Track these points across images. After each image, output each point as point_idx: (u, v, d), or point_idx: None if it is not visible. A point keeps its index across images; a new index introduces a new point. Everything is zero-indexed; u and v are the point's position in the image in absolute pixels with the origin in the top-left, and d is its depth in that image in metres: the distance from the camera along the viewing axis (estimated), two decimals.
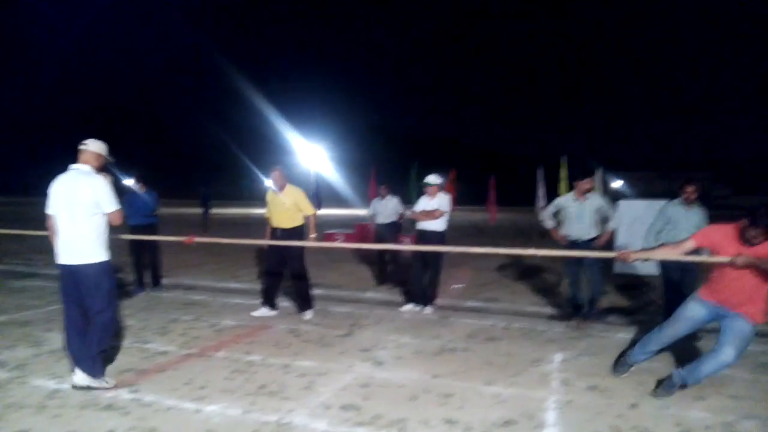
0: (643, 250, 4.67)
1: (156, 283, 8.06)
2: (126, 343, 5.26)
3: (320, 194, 20.34)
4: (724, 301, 3.86)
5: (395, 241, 9.35)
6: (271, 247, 6.50)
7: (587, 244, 6.03)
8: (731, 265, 3.72)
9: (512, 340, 5.54)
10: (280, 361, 4.71)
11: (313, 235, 6.45)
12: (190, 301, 7.30)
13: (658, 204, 9.93)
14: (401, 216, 8.99)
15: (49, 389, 4.02)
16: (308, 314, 6.47)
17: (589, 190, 6.17)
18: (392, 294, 7.96)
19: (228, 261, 11.03)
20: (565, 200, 6.28)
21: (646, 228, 5.86)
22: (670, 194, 6.35)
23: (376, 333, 5.73)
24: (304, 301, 6.54)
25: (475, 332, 5.80)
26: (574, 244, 6.12)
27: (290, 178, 6.56)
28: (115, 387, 4.05)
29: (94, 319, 4.07)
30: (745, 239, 3.71)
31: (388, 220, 8.83)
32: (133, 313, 6.56)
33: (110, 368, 4.47)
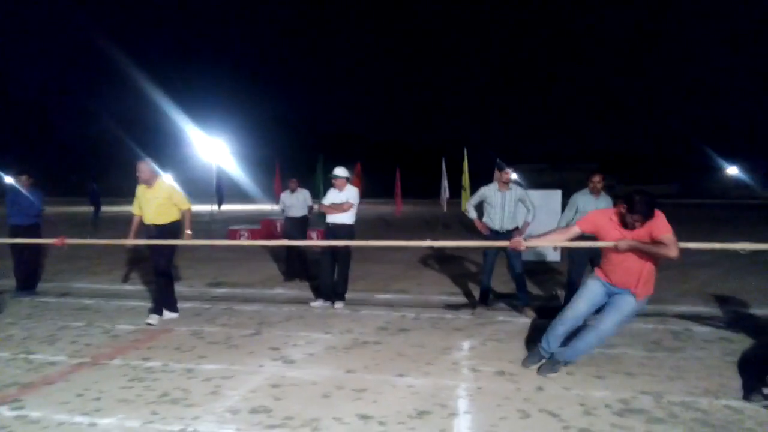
0: (533, 237, 4.83)
1: (32, 286, 7.50)
2: (7, 354, 4.77)
3: (222, 189, 19.67)
4: (616, 281, 4.10)
5: (305, 235, 9.19)
6: (149, 246, 6.07)
7: (509, 234, 6.15)
8: (615, 249, 3.95)
9: (422, 330, 5.59)
10: (183, 366, 4.46)
11: (189, 232, 6.06)
12: (81, 306, 6.77)
13: (553, 194, 10.54)
14: (311, 209, 8.84)
15: None
16: (168, 315, 6.10)
17: (509, 181, 6.30)
18: (301, 290, 7.81)
19: (121, 262, 10.37)
20: (488, 190, 6.38)
21: (544, 216, 6.10)
22: (560, 185, 6.68)
23: (285, 331, 5.58)
24: (165, 303, 6.12)
25: (386, 325, 5.81)
26: (496, 234, 6.23)
27: (158, 171, 6.10)
28: None
29: None
30: (625, 224, 3.96)
31: (298, 214, 8.66)
32: (15, 321, 5.99)
33: None
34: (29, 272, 7.49)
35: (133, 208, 6.18)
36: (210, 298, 7.30)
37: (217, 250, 11.97)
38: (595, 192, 5.98)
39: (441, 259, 10.39)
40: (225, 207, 36.27)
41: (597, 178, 5.98)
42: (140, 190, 6.09)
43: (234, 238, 13.94)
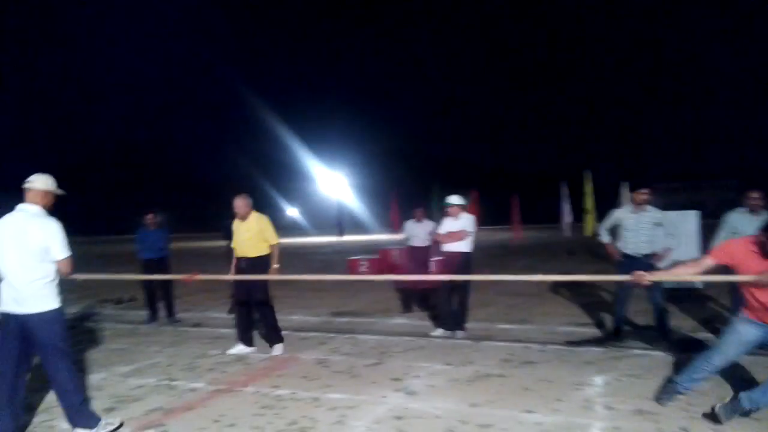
0: (660, 270, 4.43)
1: (170, 314, 8.28)
2: (153, 381, 5.17)
3: (343, 220, 20.32)
4: None
5: (426, 265, 9.21)
6: (237, 280, 6.29)
7: (645, 259, 5.74)
8: (757, 283, 3.50)
9: (549, 363, 5.33)
10: (310, 395, 4.58)
11: (276, 266, 6.20)
12: (218, 335, 7.21)
13: (689, 215, 9.71)
14: (432, 239, 8.84)
15: None
16: (278, 349, 6.14)
17: (646, 201, 5.92)
18: (421, 320, 7.79)
19: None
20: (622, 212, 6.06)
21: (683, 239, 5.62)
22: (696, 205, 6.14)
23: (406, 361, 5.56)
24: (272, 335, 6.23)
25: (509, 357, 5.60)
26: (630, 259, 5.85)
27: (254, 205, 6.30)
28: (142, 428, 3.96)
29: (53, 373, 3.77)
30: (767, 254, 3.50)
31: (423, 244, 8.70)
32: (160, 349, 6.50)
33: (137, 409, 4.39)
34: (167, 300, 8.26)
35: (233, 243, 6.40)
36: (333, 327, 7.49)
37: (336, 282, 12.30)
38: (754, 210, 5.38)
39: (569, 286, 9.91)
40: (345, 237, 37.62)
41: (756, 195, 5.37)
42: (235, 224, 6.32)
43: (354, 267, 14.28)
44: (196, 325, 7.99)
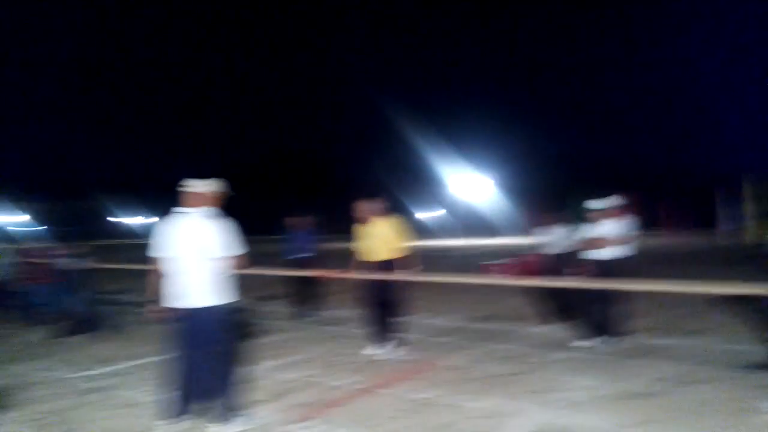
0: None
1: (312, 312, 8.81)
2: (298, 376, 5.44)
3: (477, 224, 20.08)
4: None
5: (560, 273, 8.80)
6: (370, 281, 6.33)
7: None
8: None
9: (712, 384, 4.83)
10: (448, 401, 4.54)
11: (415, 268, 6.19)
12: (358, 334, 7.42)
13: None
14: (572, 246, 8.43)
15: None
16: (391, 348, 6.18)
17: None
18: (561, 329, 7.45)
19: None
20: None
21: None
22: None
23: (547, 373, 5.34)
24: (388, 334, 6.24)
25: (662, 374, 5.16)
26: None
27: (385, 208, 6.35)
28: (291, 422, 4.16)
29: (214, 372, 4.05)
30: None
31: (556, 251, 8.33)
32: (305, 346, 6.82)
33: (286, 402, 4.63)
34: (313, 298, 8.84)
35: (355, 245, 6.46)
36: (470, 333, 7.40)
37: (468, 286, 12.16)
38: None
39: (734, 299, 8.94)
40: (479, 241, 37.13)
41: None
42: (360, 227, 6.38)
43: (487, 272, 14.02)
44: (339, 324, 8.29)
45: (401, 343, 6.27)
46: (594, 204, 6.39)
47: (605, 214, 6.36)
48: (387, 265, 6.18)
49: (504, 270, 13.74)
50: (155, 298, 4.17)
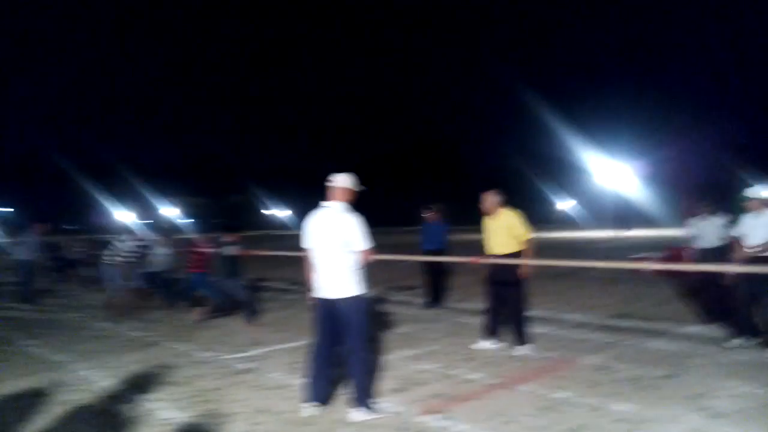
0: None
1: (447, 304, 9.06)
2: (434, 367, 5.48)
3: (624, 215, 18.83)
4: None
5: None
6: (490, 274, 6.21)
7: None
8: None
9: None
10: (590, 402, 4.32)
11: (528, 262, 5.95)
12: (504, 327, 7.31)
13: None
14: (726, 239, 7.60)
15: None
16: (521, 350, 5.92)
17: None
18: (717, 328, 6.76)
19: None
20: None
21: None
22: None
23: (704, 377, 4.86)
24: (517, 335, 6.02)
25: None
26: None
27: (503, 201, 6.17)
28: (426, 413, 4.20)
29: (349, 359, 4.21)
30: None
31: (710, 245, 7.57)
32: (440, 337, 6.86)
33: (420, 393, 4.68)
34: (441, 289, 9.12)
35: (484, 237, 6.37)
36: (616, 330, 6.97)
37: (619, 279, 11.45)
38: None
39: None
40: (627, 233, 34.76)
41: None
42: (486, 220, 6.26)
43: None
44: (474, 316, 8.22)
45: (529, 339, 6.07)
46: (752, 191, 5.72)
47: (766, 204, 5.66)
48: (507, 259, 6.05)
49: (656, 263, 12.77)
50: (310, 287, 4.43)
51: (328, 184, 4.39)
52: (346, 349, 4.26)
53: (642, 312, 8.07)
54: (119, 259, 9.26)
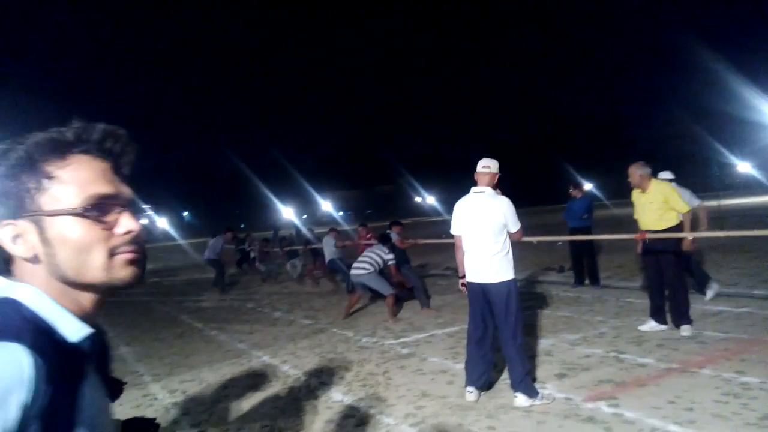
0: None
1: (594, 282, 8.67)
2: (600, 351, 5.22)
3: None
4: None
5: None
6: (646, 253, 5.77)
7: None
8: None
9: None
10: None
11: (689, 237, 5.43)
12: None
13: None
14: None
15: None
16: (685, 330, 5.42)
17: None
18: None
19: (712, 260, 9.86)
20: None
21: None
22: None
23: None
24: (677, 315, 5.53)
25: None
26: None
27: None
28: (595, 399, 4.04)
29: (508, 344, 4.14)
30: None
31: None
32: (605, 319, 6.52)
33: (587, 378, 4.50)
34: (591, 268, 8.75)
35: (635, 215, 5.99)
36: None
37: None
38: None
39: None
40: None
41: None
42: (635, 194, 5.87)
43: None
44: (632, 296, 7.70)
45: (679, 321, 5.58)
46: None
47: None
48: (661, 235, 5.65)
49: None
50: (463, 273, 4.48)
51: (477, 169, 4.43)
52: (502, 334, 4.23)
53: None
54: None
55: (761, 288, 7.30)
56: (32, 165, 0.81)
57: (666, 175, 7.15)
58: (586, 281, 8.79)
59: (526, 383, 4.09)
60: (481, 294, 4.27)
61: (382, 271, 8.06)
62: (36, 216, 0.81)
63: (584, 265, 8.83)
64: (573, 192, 9.08)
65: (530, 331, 6.13)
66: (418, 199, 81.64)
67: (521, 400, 4.06)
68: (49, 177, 0.81)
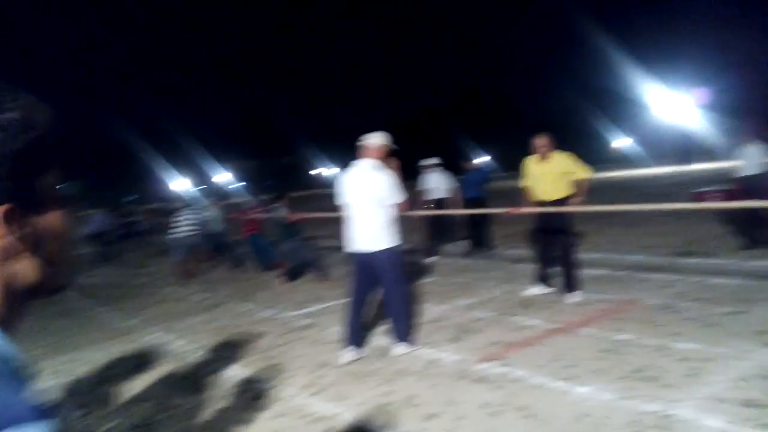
0: None
1: (489, 248, 9.22)
2: (492, 315, 5.48)
3: (685, 148, 18.06)
4: None
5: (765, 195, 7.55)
6: (539, 220, 5.99)
7: None
8: None
9: None
10: (656, 342, 4.23)
11: (578, 199, 5.77)
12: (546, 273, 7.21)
13: None
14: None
15: (428, 358, 4.43)
16: (573, 296, 5.73)
17: None
18: None
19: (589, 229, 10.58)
20: None
21: None
22: None
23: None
24: (568, 282, 5.81)
25: None
26: None
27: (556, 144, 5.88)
28: (486, 360, 4.23)
29: (389, 299, 4.53)
30: None
31: (754, 171, 7.30)
32: (497, 284, 6.83)
33: (479, 340, 4.71)
34: (485, 236, 9.23)
35: (523, 183, 6.12)
36: (678, 268, 6.75)
37: (679, 216, 11.03)
38: None
39: None
40: (691, 167, 33.11)
41: None
42: (530, 164, 5.99)
43: (701, 201, 12.57)
44: (522, 262, 8.12)
45: (580, 286, 5.89)
46: None
47: None
48: (557, 204, 5.82)
49: (724, 197, 12.22)
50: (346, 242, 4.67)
51: (359, 143, 4.60)
52: (386, 295, 4.54)
53: (704, 249, 7.77)
54: (183, 230, 9.58)
55: (636, 254, 7.94)
56: None
57: (432, 161, 8.85)
58: (482, 248, 9.18)
59: (404, 335, 4.54)
60: (364, 261, 4.52)
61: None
62: None
63: (479, 233, 9.22)
64: (466, 164, 9.51)
65: (426, 299, 6.32)
66: (318, 171, 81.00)
67: (398, 349, 4.50)
68: None
